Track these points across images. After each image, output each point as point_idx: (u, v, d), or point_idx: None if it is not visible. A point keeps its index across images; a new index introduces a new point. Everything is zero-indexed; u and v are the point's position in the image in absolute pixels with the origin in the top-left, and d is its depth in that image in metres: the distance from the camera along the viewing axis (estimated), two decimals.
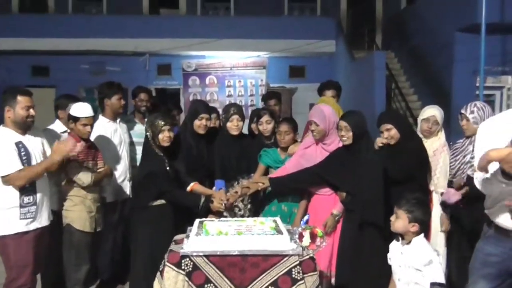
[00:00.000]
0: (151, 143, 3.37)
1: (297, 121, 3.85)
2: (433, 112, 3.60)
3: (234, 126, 3.70)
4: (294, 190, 3.56)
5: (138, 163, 4.26)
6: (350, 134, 3.22)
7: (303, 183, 3.45)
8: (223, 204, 3.32)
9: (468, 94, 8.01)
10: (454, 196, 3.26)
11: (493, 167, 2.28)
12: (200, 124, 3.63)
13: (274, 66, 12.98)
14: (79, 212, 3.50)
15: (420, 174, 3.33)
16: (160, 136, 3.33)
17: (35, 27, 11.79)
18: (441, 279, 2.53)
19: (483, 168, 2.27)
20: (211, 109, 4.00)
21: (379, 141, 3.32)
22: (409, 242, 2.66)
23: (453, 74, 9.13)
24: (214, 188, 3.50)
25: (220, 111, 4.19)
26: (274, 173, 3.61)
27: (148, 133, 3.37)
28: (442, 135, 3.63)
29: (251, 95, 12.45)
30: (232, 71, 13.06)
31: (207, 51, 12.56)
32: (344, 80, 11.57)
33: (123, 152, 4.15)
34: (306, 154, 3.53)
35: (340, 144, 3.39)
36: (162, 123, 3.34)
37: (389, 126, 3.26)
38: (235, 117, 3.69)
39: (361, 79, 10.48)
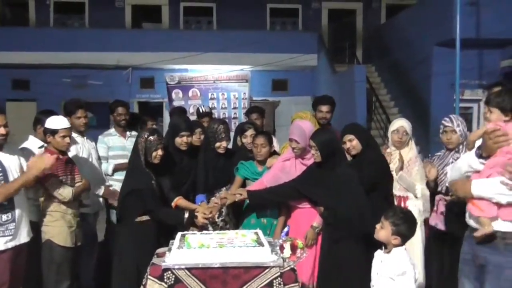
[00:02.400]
0: (139, 158, 3.34)
1: (280, 134, 3.91)
2: (401, 123, 3.76)
3: (222, 146, 3.76)
4: (273, 203, 3.60)
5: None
6: (318, 153, 3.29)
7: (281, 197, 3.50)
8: (207, 218, 3.35)
9: (446, 106, 8.20)
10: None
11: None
12: (181, 142, 3.67)
13: (257, 80, 13.10)
14: (59, 228, 3.45)
15: (383, 183, 3.40)
16: (154, 154, 3.33)
17: (16, 40, 11.72)
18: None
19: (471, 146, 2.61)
20: (194, 125, 4.00)
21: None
22: (389, 252, 2.72)
23: (432, 87, 9.36)
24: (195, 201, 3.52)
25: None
26: (252, 186, 3.64)
27: (140, 149, 3.34)
28: (413, 145, 3.78)
29: (234, 108, 12.53)
30: (215, 84, 13.13)
31: (190, 65, 12.62)
32: (326, 93, 11.71)
33: (93, 166, 4.17)
34: (284, 168, 3.57)
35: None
36: (157, 141, 3.34)
37: (351, 136, 3.39)
38: (224, 140, 3.75)
39: (343, 92, 10.63)
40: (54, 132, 3.45)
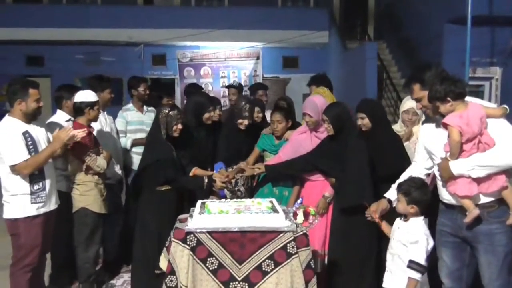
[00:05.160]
0: (160, 132, 3.53)
1: None
2: (411, 104, 3.76)
3: (244, 124, 3.94)
4: (287, 176, 3.79)
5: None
6: (331, 126, 3.43)
7: (296, 170, 3.67)
8: (225, 182, 3.58)
9: None
10: None
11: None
12: (209, 117, 3.89)
13: (268, 57, 13.14)
14: (94, 196, 3.71)
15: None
16: (174, 127, 3.53)
17: (30, 17, 11.83)
18: (421, 260, 2.72)
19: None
20: (215, 101, 4.24)
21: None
22: (407, 220, 2.86)
23: (443, 65, 9.29)
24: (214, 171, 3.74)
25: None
26: (270, 160, 3.83)
27: (162, 123, 3.52)
28: None
29: (245, 86, 12.62)
30: (226, 62, 13.20)
31: (201, 42, 12.67)
32: (337, 70, 11.80)
33: (115, 140, 4.39)
34: (299, 141, 3.73)
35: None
36: (178, 115, 3.54)
37: (362, 115, 3.50)
38: (247, 119, 3.94)
39: (353, 70, 10.67)
40: (93, 104, 3.70)
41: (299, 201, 3.17)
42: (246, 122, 3.95)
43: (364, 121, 3.48)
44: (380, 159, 3.38)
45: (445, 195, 2.75)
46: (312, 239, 3.46)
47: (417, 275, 2.71)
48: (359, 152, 3.34)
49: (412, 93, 2.86)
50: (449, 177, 2.62)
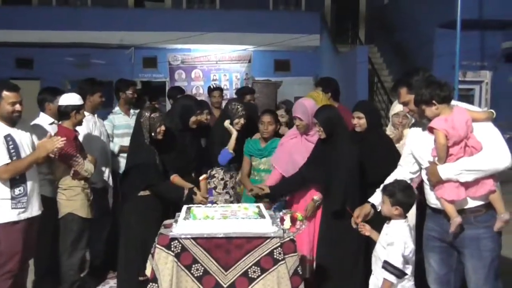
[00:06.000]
0: (142, 135, 3.47)
1: None
2: (401, 107, 3.80)
3: (240, 123, 3.93)
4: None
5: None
6: (322, 129, 3.41)
7: (295, 186, 3.60)
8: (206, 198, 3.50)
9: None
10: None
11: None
12: (195, 120, 3.81)
13: (259, 60, 13.13)
14: (81, 201, 3.63)
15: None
16: (158, 129, 3.47)
17: (19, 19, 11.72)
18: (395, 262, 2.68)
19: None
20: (203, 105, 4.22)
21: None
22: (389, 222, 2.84)
23: (434, 68, 9.37)
24: (219, 157, 3.81)
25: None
26: (270, 178, 3.72)
27: (144, 126, 3.46)
28: None
29: (236, 89, 12.58)
30: (217, 64, 13.17)
31: (192, 45, 12.64)
32: (328, 74, 11.71)
33: (104, 144, 4.31)
34: (290, 146, 3.70)
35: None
36: (160, 117, 3.48)
37: (360, 114, 3.50)
38: (242, 117, 3.93)
39: (345, 73, 10.68)
40: (79, 107, 3.63)
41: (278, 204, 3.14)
42: (242, 121, 3.92)
43: (361, 121, 3.48)
44: (373, 163, 3.36)
45: (432, 200, 2.73)
46: (301, 244, 3.43)
47: (390, 277, 2.69)
48: (350, 157, 3.31)
49: (399, 97, 2.86)
50: (437, 182, 2.60)
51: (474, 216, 2.57)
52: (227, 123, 3.94)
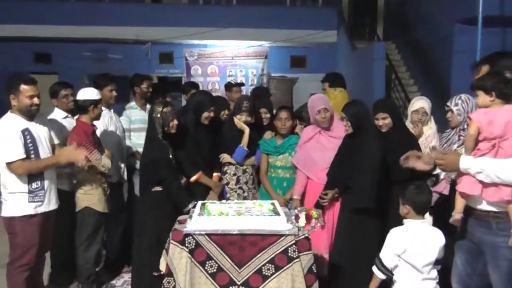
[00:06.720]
0: (155, 130, 3.46)
1: None
2: (421, 104, 3.84)
3: (242, 120, 3.90)
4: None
5: (135, 148, 4.50)
6: (349, 123, 3.36)
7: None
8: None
9: (468, 85, 8.06)
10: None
11: None
12: (207, 116, 3.78)
13: (275, 56, 13.07)
14: (98, 195, 3.67)
15: None
16: (171, 124, 3.45)
17: (38, 14, 11.86)
18: (383, 259, 2.70)
19: None
20: (220, 102, 4.19)
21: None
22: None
23: (453, 65, 9.21)
24: (234, 155, 3.83)
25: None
26: (297, 182, 3.71)
27: (156, 121, 3.45)
28: (432, 124, 3.87)
29: (252, 85, 12.54)
30: (233, 60, 13.15)
31: (209, 40, 12.64)
32: (345, 70, 11.64)
33: (120, 138, 4.33)
34: (308, 149, 3.65)
35: (343, 128, 3.56)
36: (172, 111, 3.47)
37: (384, 115, 3.47)
38: (244, 114, 3.89)
39: (362, 70, 10.58)
40: (97, 102, 3.66)
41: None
42: (244, 117, 3.89)
43: (386, 121, 3.47)
44: (396, 159, 3.29)
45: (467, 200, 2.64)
46: (319, 242, 3.44)
47: (378, 272, 2.70)
48: (375, 153, 3.27)
49: (479, 72, 2.74)
50: (451, 170, 2.54)
51: (497, 222, 2.46)
52: (237, 120, 3.92)
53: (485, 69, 2.72)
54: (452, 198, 3.10)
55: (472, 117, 2.48)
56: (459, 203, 2.58)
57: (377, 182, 3.21)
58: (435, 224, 3.27)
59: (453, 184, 3.20)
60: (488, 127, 2.40)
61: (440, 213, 3.30)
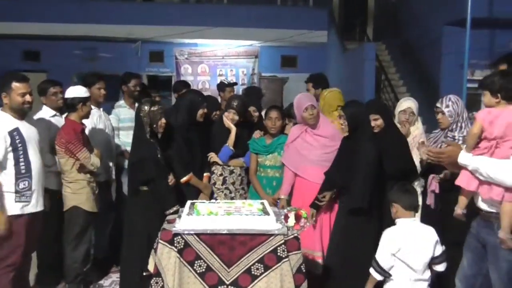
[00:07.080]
0: (143, 129, 3.42)
1: None
2: (409, 104, 3.89)
3: (229, 118, 3.90)
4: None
5: (124, 147, 4.47)
6: (346, 123, 3.36)
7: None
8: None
9: (456, 86, 8.15)
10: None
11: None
12: (202, 113, 3.77)
13: (266, 56, 13.07)
14: (86, 195, 3.63)
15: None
16: (159, 123, 3.42)
17: (27, 11, 11.74)
18: (378, 259, 2.74)
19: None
20: (212, 101, 4.20)
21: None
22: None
23: (442, 67, 9.31)
24: (219, 154, 3.83)
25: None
26: (284, 182, 3.72)
27: (144, 119, 3.41)
28: (419, 124, 3.92)
29: (243, 84, 12.52)
30: (224, 60, 13.13)
31: (199, 39, 12.60)
32: (335, 70, 11.73)
33: (108, 137, 4.29)
34: (296, 147, 3.65)
35: (329, 127, 3.59)
36: (160, 110, 3.43)
37: (376, 116, 3.51)
38: (231, 113, 3.89)
39: (352, 70, 10.62)
40: (86, 100, 3.63)
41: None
42: (231, 115, 3.88)
43: (378, 122, 3.51)
44: (388, 158, 3.37)
45: (475, 200, 2.65)
46: (314, 241, 3.48)
47: (374, 273, 2.73)
48: (370, 153, 3.28)
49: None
50: (452, 162, 2.54)
51: (498, 223, 2.45)
52: (225, 118, 3.92)
53: (502, 68, 2.74)
54: (443, 196, 3.15)
55: (476, 116, 2.48)
56: (462, 199, 2.61)
57: (371, 182, 3.22)
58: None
59: (442, 183, 3.25)
60: (488, 126, 2.42)
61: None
